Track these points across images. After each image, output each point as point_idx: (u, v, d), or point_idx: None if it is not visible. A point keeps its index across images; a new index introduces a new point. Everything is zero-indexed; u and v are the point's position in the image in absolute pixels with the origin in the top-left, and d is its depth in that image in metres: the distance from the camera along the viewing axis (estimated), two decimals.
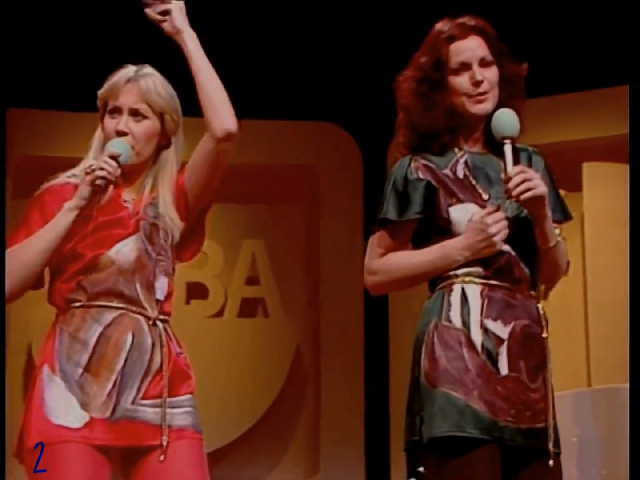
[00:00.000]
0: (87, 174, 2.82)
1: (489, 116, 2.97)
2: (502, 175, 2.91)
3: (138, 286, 2.90)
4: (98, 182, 2.76)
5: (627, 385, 3.70)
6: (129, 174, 2.95)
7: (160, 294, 2.93)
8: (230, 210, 7.17)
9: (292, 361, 7.24)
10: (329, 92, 7.22)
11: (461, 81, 2.96)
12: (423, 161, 3.00)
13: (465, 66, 2.96)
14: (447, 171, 3.00)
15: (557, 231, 2.99)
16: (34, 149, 6.87)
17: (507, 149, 2.84)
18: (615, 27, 6.45)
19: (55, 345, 2.85)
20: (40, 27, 6.72)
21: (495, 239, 2.86)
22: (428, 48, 3.02)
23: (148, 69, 3.00)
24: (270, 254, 7.26)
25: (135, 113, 2.93)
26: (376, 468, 7.07)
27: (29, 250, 2.86)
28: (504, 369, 2.90)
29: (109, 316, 2.86)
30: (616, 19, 6.45)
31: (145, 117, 2.94)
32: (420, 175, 2.99)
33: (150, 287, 2.91)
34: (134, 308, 2.89)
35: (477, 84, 2.94)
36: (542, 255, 2.96)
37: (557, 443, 2.94)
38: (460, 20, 3.03)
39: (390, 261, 3.04)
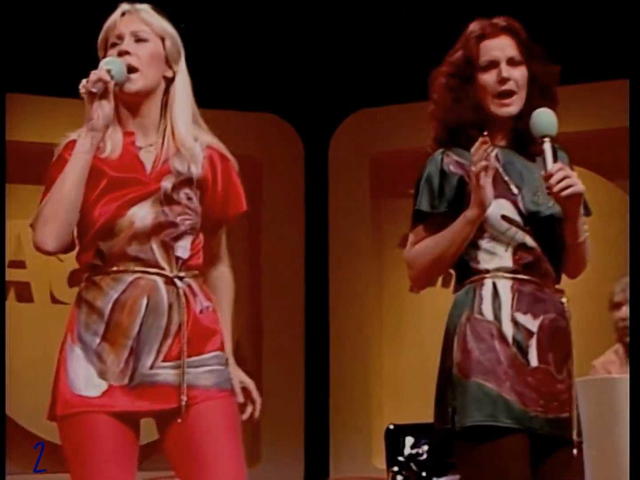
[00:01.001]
0: (82, 93, 2.68)
1: (516, 115, 3.02)
2: (535, 175, 2.93)
3: (155, 247, 2.81)
4: (94, 88, 2.62)
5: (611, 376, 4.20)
6: (138, 109, 2.85)
7: (182, 253, 2.84)
8: None
9: (233, 354, 7.21)
10: (271, 84, 7.24)
11: (488, 78, 2.97)
12: (455, 157, 3.01)
13: (493, 64, 2.97)
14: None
15: (585, 227, 3.03)
16: (31, 135, 6.75)
17: (547, 146, 2.85)
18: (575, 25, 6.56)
19: (75, 314, 2.80)
20: (39, 15, 6.57)
21: (478, 166, 2.87)
22: (461, 45, 3.04)
23: (142, 5, 2.91)
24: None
25: (136, 36, 2.83)
26: (315, 459, 7.14)
27: (57, 191, 2.73)
28: (533, 360, 2.92)
29: (125, 282, 2.78)
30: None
31: (146, 40, 2.83)
32: (453, 170, 3.00)
33: (169, 248, 2.82)
34: (150, 270, 2.79)
35: (503, 81, 2.94)
36: (570, 251, 2.99)
37: (580, 432, 2.97)
38: (493, 20, 3.03)
39: (418, 250, 3.04)
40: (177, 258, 2.80)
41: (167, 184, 2.81)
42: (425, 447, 4.48)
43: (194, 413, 2.77)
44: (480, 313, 2.92)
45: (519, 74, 2.96)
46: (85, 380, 2.73)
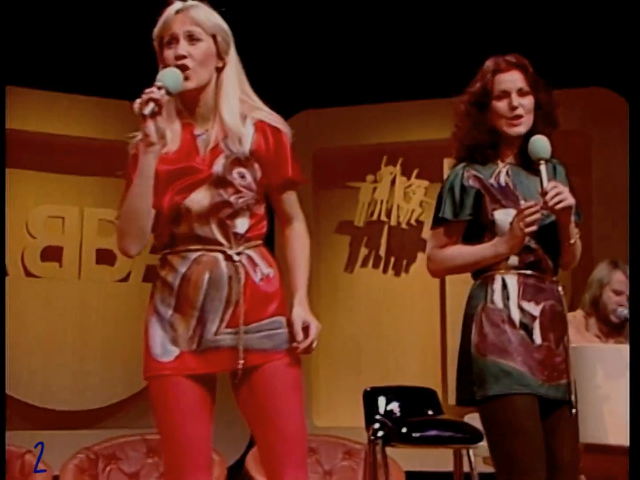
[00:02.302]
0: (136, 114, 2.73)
1: (523, 136, 3.21)
2: (539, 189, 3.12)
3: (214, 227, 2.88)
4: (145, 110, 2.66)
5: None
6: (195, 102, 2.90)
7: (240, 228, 2.89)
8: None
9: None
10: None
11: (501, 106, 3.19)
12: (473, 172, 3.23)
13: (505, 94, 3.18)
14: (492, 180, 3.24)
15: (576, 230, 3.28)
16: (27, 125, 6.71)
17: (542, 168, 3.08)
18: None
19: (154, 289, 2.89)
20: (38, 14, 6.44)
21: (527, 229, 3.09)
22: (479, 78, 3.27)
23: (194, 1, 2.94)
24: None
25: (190, 37, 2.85)
26: None
27: (129, 204, 2.83)
28: (537, 339, 3.17)
29: (190, 259, 2.86)
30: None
31: (199, 39, 2.87)
32: (471, 184, 3.22)
33: (226, 226, 2.89)
34: (211, 247, 2.87)
35: (513, 108, 3.16)
36: (564, 250, 3.24)
37: (575, 395, 3.20)
38: (506, 57, 3.24)
39: (446, 253, 3.27)
40: (236, 234, 2.86)
41: (218, 167, 2.85)
42: (397, 405, 4.63)
43: (257, 374, 2.86)
44: (492, 303, 3.19)
45: (527, 102, 3.19)
46: (162, 347, 2.83)
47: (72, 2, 6.57)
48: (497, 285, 3.22)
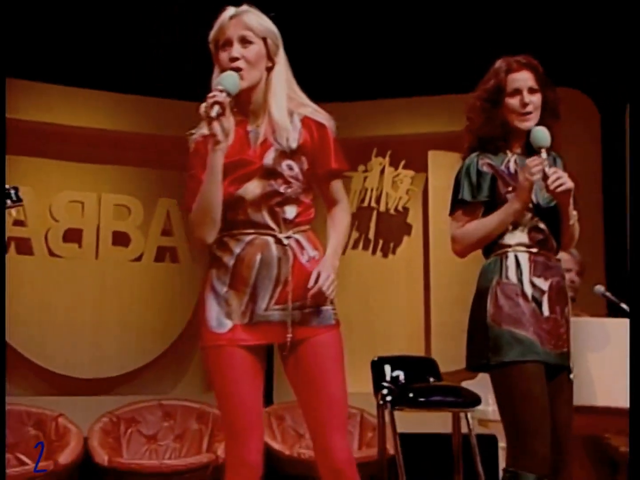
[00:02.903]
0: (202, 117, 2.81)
1: (528, 130, 3.34)
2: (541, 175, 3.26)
3: (265, 213, 2.97)
4: (212, 113, 2.75)
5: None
6: (247, 100, 2.97)
7: (289, 215, 3.00)
8: (149, 174, 7.19)
9: (197, 298, 7.35)
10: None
11: (514, 102, 3.32)
12: (486, 160, 3.37)
13: (517, 91, 3.31)
14: (503, 168, 3.38)
15: (575, 213, 3.41)
16: (50, 118, 6.72)
17: (543, 154, 3.23)
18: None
19: (210, 268, 2.99)
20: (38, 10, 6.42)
21: (534, 177, 3.21)
22: (492, 77, 3.39)
23: (246, 7, 3.01)
24: (181, 211, 7.08)
25: (243, 40, 2.93)
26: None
27: (203, 197, 2.90)
28: (546, 311, 3.32)
29: (244, 242, 2.96)
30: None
31: (251, 42, 2.94)
32: (486, 170, 3.36)
33: (276, 212, 2.98)
34: (263, 231, 2.97)
35: (524, 105, 3.30)
36: (564, 230, 3.37)
37: (572, 362, 3.36)
38: (517, 58, 3.37)
39: (466, 230, 3.40)
40: (285, 219, 2.97)
41: (268, 160, 2.96)
42: (402, 373, 4.65)
43: (304, 347, 2.97)
44: (507, 278, 3.33)
45: (536, 99, 3.31)
46: (217, 320, 2.96)
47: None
48: (511, 262, 3.35)
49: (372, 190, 7.55)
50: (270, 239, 2.94)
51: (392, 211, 7.57)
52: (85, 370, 6.79)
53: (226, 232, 2.95)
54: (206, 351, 2.96)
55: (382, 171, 7.54)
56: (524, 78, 3.34)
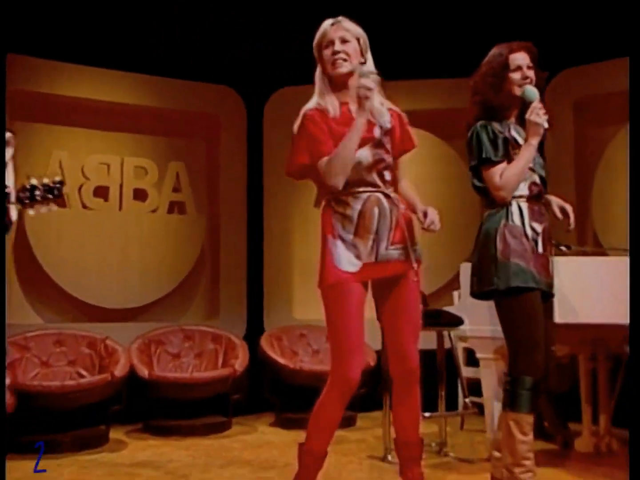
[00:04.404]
0: (358, 96, 3.05)
1: (523, 101, 3.45)
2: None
3: (375, 175, 3.20)
4: (367, 93, 3.05)
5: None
6: (345, 85, 3.19)
7: (388, 177, 3.23)
8: (162, 141, 7.44)
9: (202, 243, 7.54)
10: (231, 65, 7.39)
11: (516, 76, 3.48)
12: (495, 125, 3.49)
13: (519, 67, 3.48)
14: (507, 133, 3.49)
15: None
16: (80, 93, 6.89)
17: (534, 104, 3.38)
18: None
19: (332, 221, 3.16)
20: None
21: (540, 119, 3.37)
22: (497, 57, 3.51)
23: (341, 17, 3.26)
24: (188, 172, 7.49)
25: (342, 39, 3.19)
26: (254, 316, 7.50)
27: (345, 151, 3.08)
28: (540, 249, 3.46)
29: (362, 198, 3.17)
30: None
31: (348, 40, 3.19)
32: (498, 133, 3.48)
33: (382, 175, 3.21)
34: (375, 189, 3.19)
35: (525, 78, 3.47)
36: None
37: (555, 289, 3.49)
38: (517, 42, 3.53)
39: (507, 178, 3.44)
40: (386, 181, 3.23)
41: (377, 134, 3.20)
42: None
43: (405, 279, 3.22)
44: (512, 221, 3.45)
45: (532, 73, 3.49)
46: (348, 261, 3.14)
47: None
48: (515, 209, 3.47)
49: None
50: (381, 195, 3.18)
51: None
52: (113, 301, 7.03)
53: (345, 191, 3.14)
54: (331, 289, 3.11)
55: None
56: (523, 57, 3.51)
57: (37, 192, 3.06)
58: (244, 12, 7.11)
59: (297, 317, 7.47)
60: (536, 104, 3.36)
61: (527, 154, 3.40)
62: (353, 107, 3.15)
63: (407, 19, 7.04)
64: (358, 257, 3.13)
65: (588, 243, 6.60)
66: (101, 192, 7.09)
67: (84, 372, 6.08)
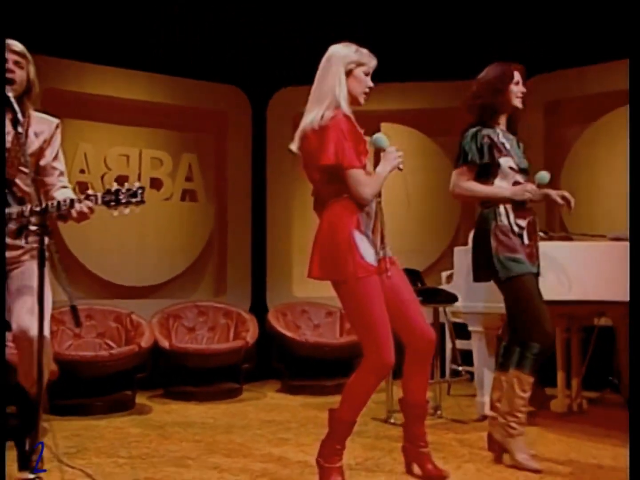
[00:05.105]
0: (394, 167, 3.22)
1: (512, 110, 3.72)
2: (515, 145, 3.69)
3: None
4: (400, 165, 3.28)
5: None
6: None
7: None
8: (176, 135, 7.59)
9: (211, 227, 7.74)
10: (237, 65, 7.57)
11: (516, 88, 3.77)
12: (485, 132, 3.72)
13: (518, 82, 3.78)
14: (496, 139, 3.71)
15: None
16: (104, 91, 7.02)
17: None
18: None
19: (359, 219, 3.22)
20: None
21: (526, 196, 3.66)
22: (504, 68, 3.74)
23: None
24: (200, 163, 7.68)
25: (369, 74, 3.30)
26: (258, 293, 7.73)
27: (381, 180, 3.25)
28: (526, 241, 3.71)
29: (374, 200, 3.29)
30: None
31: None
32: (486, 140, 3.70)
33: None
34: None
35: (522, 91, 3.76)
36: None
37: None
38: (515, 63, 3.77)
39: (472, 186, 3.71)
40: None
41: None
42: None
43: (397, 270, 3.35)
44: (501, 222, 3.70)
45: (523, 89, 3.79)
46: (372, 256, 3.21)
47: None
48: (502, 211, 3.71)
49: None
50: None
51: None
52: (132, 280, 7.23)
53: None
54: (360, 281, 3.13)
55: None
56: (519, 75, 3.83)
57: (121, 196, 3.18)
58: (250, 18, 7.30)
59: (296, 294, 7.66)
60: (526, 185, 3.61)
61: (495, 194, 3.66)
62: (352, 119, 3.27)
63: (399, 27, 7.25)
64: (377, 252, 3.24)
65: (556, 229, 6.87)
66: (121, 181, 6.45)
67: (111, 343, 6.27)
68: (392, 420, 5.11)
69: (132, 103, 7.25)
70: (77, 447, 4.47)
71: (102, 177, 7.15)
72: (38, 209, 3.12)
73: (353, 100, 3.28)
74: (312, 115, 3.25)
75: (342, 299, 3.20)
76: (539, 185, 3.73)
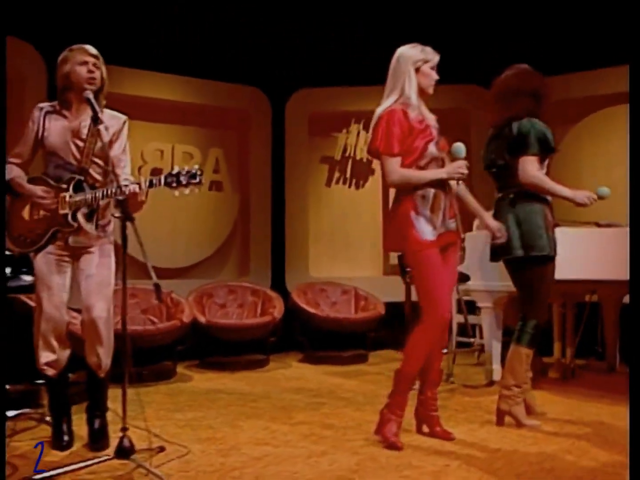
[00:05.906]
0: (452, 177, 3.27)
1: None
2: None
3: (439, 165, 3.40)
4: (462, 177, 3.32)
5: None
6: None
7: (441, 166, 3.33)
8: (204, 132, 7.76)
9: (235, 215, 7.91)
10: (259, 67, 7.61)
11: (546, 97, 3.76)
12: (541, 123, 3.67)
13: (546, 94, 3.77)
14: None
15: None
16: (141, 92, 7.11)
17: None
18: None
19: (415, 201, 3.30)
20: None
21: (586, 201, 3.67)
22: (536, 83, 3.76)
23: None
24: (225, 157, 7.84)
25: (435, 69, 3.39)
26: (277, 274, 7.85)
27: (416, 179, 3.29)
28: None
29: (433, 183, 3.36)
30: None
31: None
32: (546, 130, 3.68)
33: (443, 165, 3.39)
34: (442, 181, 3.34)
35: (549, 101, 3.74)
36: None
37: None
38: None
39: (541, 175, 3.67)
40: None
41: (435, 134, 3.44)
42: None
43: (454, 246, 3.42)
44: (547, 206, 3.78)
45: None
46: (429, 233, 3.30)
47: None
48: (550, 199, 3.80)
49: (350, 145, 8.04)
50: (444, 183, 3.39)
51: (363, 160, 8.05)
52: (165, 262, 7.32)
53: None
54: (420, 253, 3.29)
55: (358, 133, 8.04)
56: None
57: (182, 178, 3.09)
58: (272, 28, 7.42)
59: (312, 275, 7.87)
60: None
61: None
62: (422, 107, 3.42)
63: (396, 31, 7.04)
64: (434, 229, 3.34)
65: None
66: (156, 172, 7.08)
67: (154, 319, 6.38)
68: (451, 380, 5.35)
69: (166, 103, 7.38)
70: (135, 412, 4.46)
71: (139, 169, 7.23)
72: (107, 191, 3.22)
73: (423, 91, 3.41)
74: (381, 107, 3.42)
75: (410, 267, 3.40)
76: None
